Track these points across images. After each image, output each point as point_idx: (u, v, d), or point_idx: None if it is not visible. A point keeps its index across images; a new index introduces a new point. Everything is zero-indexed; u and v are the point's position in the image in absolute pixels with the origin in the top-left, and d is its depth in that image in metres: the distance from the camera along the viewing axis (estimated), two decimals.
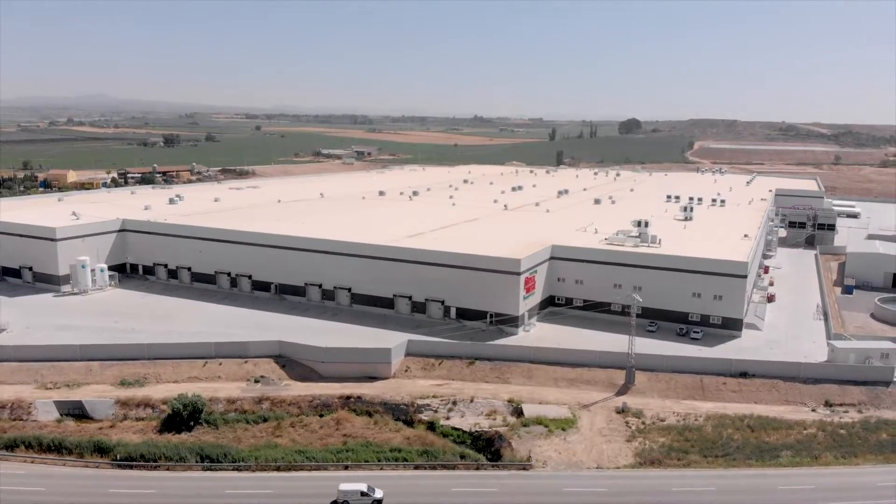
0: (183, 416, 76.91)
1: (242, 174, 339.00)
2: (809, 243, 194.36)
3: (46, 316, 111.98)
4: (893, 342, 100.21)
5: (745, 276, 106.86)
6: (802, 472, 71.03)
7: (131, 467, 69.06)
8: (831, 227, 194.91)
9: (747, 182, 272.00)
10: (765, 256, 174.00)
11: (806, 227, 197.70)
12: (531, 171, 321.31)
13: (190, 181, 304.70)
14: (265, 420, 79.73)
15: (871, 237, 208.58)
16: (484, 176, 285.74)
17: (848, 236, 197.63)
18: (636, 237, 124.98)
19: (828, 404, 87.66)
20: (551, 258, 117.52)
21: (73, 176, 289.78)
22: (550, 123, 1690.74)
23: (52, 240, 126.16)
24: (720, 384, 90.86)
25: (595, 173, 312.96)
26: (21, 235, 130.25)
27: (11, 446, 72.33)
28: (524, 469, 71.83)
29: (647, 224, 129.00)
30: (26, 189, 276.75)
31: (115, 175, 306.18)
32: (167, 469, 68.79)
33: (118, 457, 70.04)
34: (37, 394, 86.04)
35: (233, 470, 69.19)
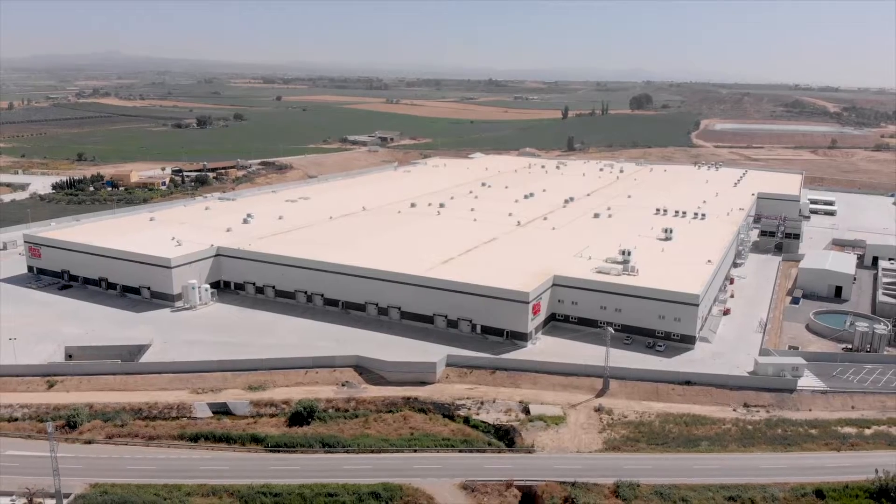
0: (303, 415, 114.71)
1: (281, 168, 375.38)
2: (779, 249, 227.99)
3: (174, 332, 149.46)
4: (805, 358, 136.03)
5: (698, 305, 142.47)
6: (712, 457, 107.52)
7: (278, 451, 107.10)
8: (796, 237, 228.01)
9: (735, 183, 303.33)
10: (735, 265, 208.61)
11: (775, 236, 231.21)
12: (542, 167, 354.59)
13: (238, 178, 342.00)
14: (356, 416, 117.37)
15: (835, 242, 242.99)
16: (500, 174, 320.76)
17: (808, 245, 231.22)
18: (620, 264, 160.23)
19: (745, 406, 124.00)
20: (553, 285, 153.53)
21: (134, 176, 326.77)
22: (565, 86, 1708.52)
23: (168, 267, 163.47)
24: (670, 390, 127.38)
25: (601, 169, 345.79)
26: (141, 263, 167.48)
27: (195, 438, 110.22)
28: (529, 452, 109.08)
29: (629, 253, 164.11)
30: (96, 189, 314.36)
31: (171, 173, 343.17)
32: (301, 452, 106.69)
33: (269, 444, 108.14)
34: (192, 397, 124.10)
35: (344, 452, 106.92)
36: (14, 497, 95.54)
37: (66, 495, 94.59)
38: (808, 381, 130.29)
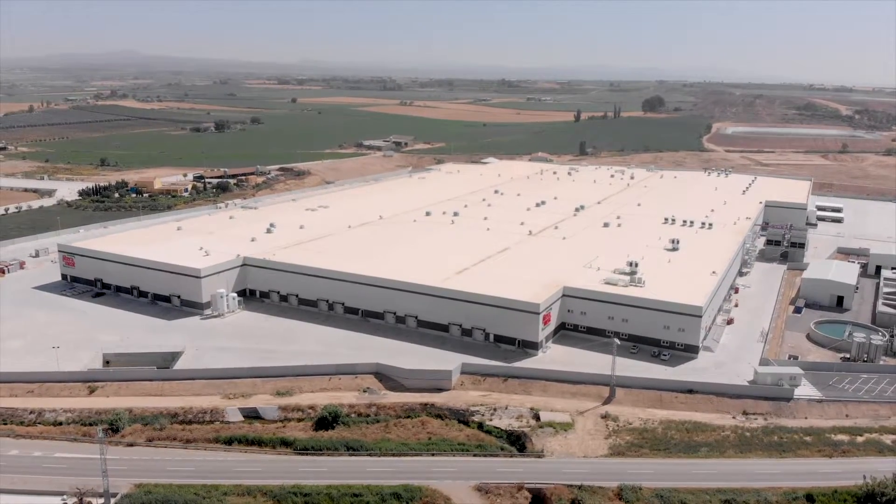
0: (328, 419, 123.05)
1: (300, 174, 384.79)
2: (784, 258, 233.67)
3: (205, 339, 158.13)
4: (803, 367, 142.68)
5: (701, 316, 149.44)
6: (711, 462, 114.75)
7: (306, 454, 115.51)
8: (801, 246, 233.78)
9: (744, 190, 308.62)
10: (741, 274, 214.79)
11: (781, 245, 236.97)
12: (554, 173, 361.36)
13: (258, 184, 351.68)
14: (377, 421, 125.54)
15: (841, 250, 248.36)
16: (512, 181, 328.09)
17: (813, 253, 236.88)
18: (628, 275, 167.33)
19: (744, 413, 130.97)
20: (563, 296, 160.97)
21: (158, 182, 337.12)
22: (577, 87, 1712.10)
23: (197, 277, 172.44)
24: (673, 398, 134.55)
25: (612, 176, 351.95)
26: (172, 272, 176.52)
27: (229, 442, 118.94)
28: (539, 457, 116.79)
29: (636, 264, 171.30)
30: (121, 196, 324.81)
31: (193, 179, 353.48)
32: (328, 455, 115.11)
33: (297, 447, 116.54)
34: (224, 402, 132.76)
35: (367, 455, 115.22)
36: (65, 497, 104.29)
37: (114, 495, 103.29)
38: (805, 390, 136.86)
